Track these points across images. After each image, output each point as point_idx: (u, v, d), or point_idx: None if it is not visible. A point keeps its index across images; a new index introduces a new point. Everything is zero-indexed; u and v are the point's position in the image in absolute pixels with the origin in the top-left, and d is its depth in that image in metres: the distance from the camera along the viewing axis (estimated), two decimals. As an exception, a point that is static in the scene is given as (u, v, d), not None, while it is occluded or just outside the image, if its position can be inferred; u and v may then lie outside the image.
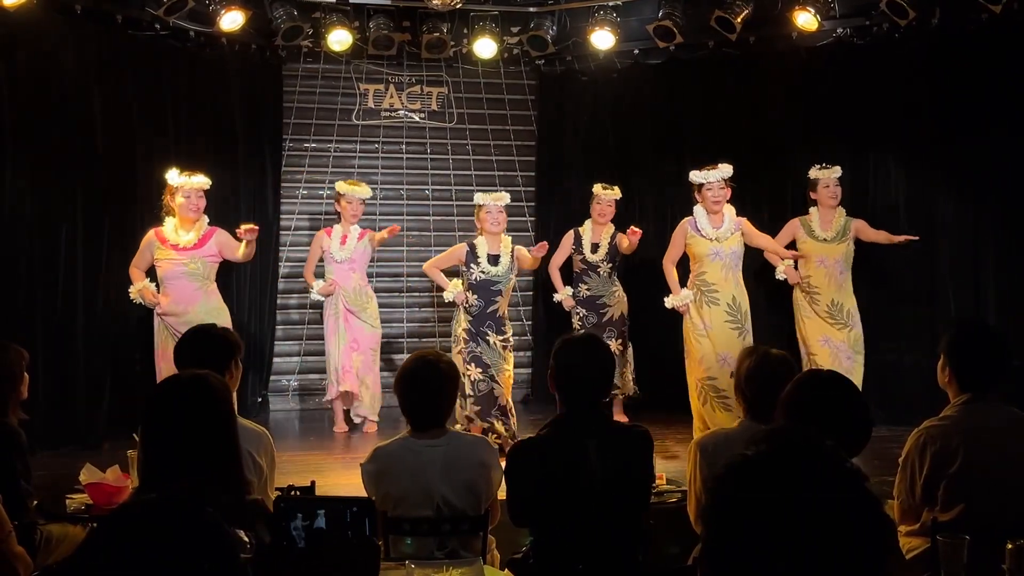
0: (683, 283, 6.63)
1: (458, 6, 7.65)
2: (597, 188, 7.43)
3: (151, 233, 6.61)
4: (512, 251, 6.69)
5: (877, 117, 7.60)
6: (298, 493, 3.04)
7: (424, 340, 8.44)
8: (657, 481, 4.27)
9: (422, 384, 3.52)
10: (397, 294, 8.67)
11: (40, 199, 6.73)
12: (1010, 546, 2.65)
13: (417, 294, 8.75)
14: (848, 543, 1.27)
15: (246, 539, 2.50)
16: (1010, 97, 7.04)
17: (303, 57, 8.43)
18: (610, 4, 7.86)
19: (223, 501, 2.56)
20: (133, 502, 1.94)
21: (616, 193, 7.42)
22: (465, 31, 8.20)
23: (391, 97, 8.73)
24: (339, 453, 6.76)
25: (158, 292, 6.53)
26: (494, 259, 6.62)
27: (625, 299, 7.41)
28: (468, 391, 6.46)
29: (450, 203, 8.69)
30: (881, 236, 7.01)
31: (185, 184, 6.54)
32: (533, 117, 8.89)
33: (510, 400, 6.61)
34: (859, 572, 1.28)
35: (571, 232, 7.48)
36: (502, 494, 3.52)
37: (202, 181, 6.63)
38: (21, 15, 6.43)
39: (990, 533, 2.80)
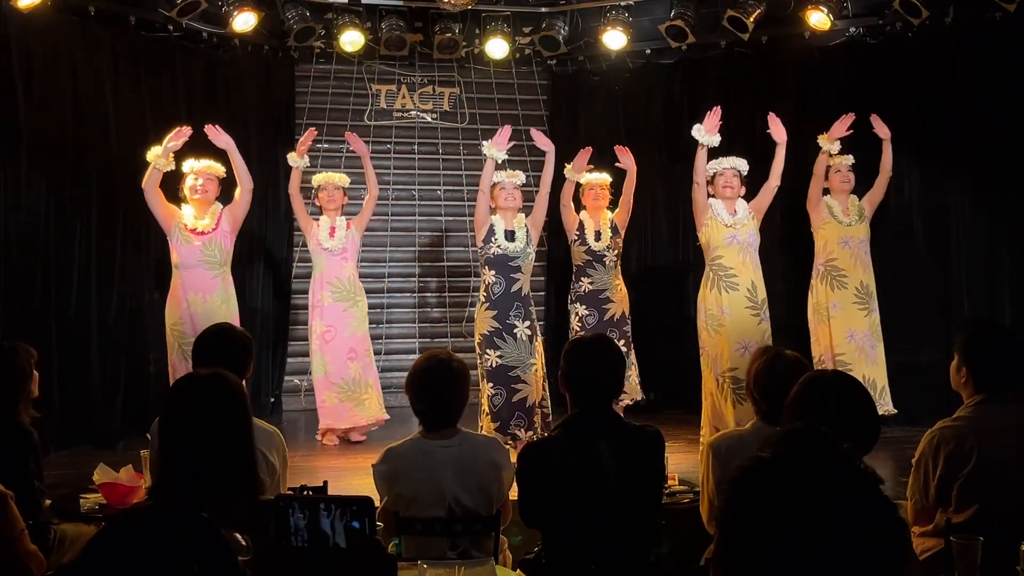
0: (699, 273, 6.59)
1: (470, 7, 7.66)
2: (587, 176, 7.13)
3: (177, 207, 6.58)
4: (527, 228, 6.57)
5: (890, 117, 7.54)
6: (311, 493, 3.03)
7: (436, 340, 8.43)
8: (669, 481, 4.27)
9: (434, 384, 3.52)
10: (409, 295, 8.67)
11: (55, 199, 6.76)
12: (1024, 547, 2.64)
13: (429, 294, 8.75)
14: (862, 547, 1.26)
15: (243, 542, 2.51)
16: (1024, 96, 7.01)
17: (315, 58, 8.45)
18: (622, 4, 7.85)
19: (234, 501, 2.57)
20: (130, 510, 1.98)
21: (607, 177, 7.19)
22: (477, 31, 8.21)
23: (403, 98, 8.74)
24: (352, 454, 6.75)
25: (174, 276, 6.47)
26: (510, 235, 6.52)
27: (627, 297, 7.19)
28: (485, 408, 6.29)
29: (462, 203, 8.68)
30: (880, 177, 7.02)
31: (193, 168, 6.55)
32: (545, 117, 8.88)
33: (540, 398, 6.36)
34: None
35: (576, 218, 7.17)
36: (514, 495, 3.52)
37: (206, 164, 6.57)
38: (35, 17, 6.48)
39: (1004, 534, 2.79)
